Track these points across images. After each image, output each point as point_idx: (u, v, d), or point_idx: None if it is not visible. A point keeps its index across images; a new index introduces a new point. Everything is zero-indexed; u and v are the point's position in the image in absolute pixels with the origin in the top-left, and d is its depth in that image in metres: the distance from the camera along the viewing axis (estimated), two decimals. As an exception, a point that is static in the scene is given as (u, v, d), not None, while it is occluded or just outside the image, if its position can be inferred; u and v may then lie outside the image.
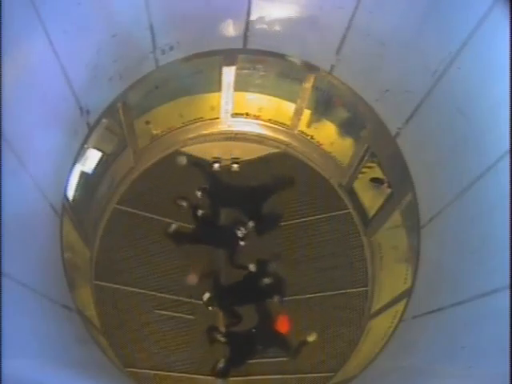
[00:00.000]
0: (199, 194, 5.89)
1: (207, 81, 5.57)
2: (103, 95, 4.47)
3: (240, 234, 5.64)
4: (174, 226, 5.74)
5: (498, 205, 3.00)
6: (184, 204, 5.84)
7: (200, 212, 5.79)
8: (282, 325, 5.24)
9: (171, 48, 4.59)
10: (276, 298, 5.53)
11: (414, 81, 3.94)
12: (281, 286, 5.62)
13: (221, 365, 5.37)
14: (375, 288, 5.66)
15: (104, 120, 4.63)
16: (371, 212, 5.74)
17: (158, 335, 5.56)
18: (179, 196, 5.86)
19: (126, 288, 5.57)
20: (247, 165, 6.25)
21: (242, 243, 5.72)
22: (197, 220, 5.79)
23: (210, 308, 5.55)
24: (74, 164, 4.33)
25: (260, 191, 5.88)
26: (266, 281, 5.58)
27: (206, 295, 5.51)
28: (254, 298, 5.59)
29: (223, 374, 5.37)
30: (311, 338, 5.48)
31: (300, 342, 5.49)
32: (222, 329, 5.49)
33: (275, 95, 5.83)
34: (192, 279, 5.53)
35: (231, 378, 5.55)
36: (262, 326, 5.33)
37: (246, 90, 5.82)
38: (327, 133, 5.93)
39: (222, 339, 5.36)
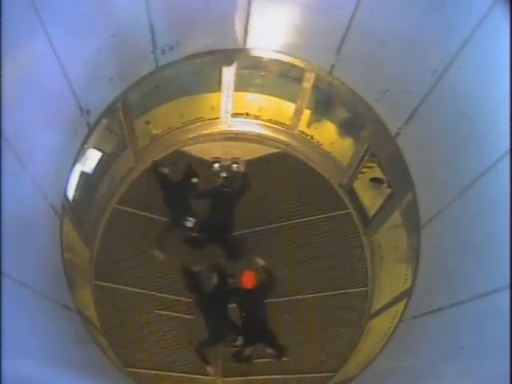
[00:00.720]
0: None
1: (207, 81, 5.57)
2: (103, 95, 4.47)
3: None
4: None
5: (498, 204, 2.99)
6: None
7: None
8: (248, 280, 5.09)
9: (171, 48, 4.59)
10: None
11: (413, 81, 3.94)
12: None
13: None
14: (375, 288, 5.66)
15: (104, 120, 4.63)
16: (371, 212, 5.74)
17: (158, 335, 5.56)
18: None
19: (125, 288, 5.57)
20: (247, 165, 6.25)
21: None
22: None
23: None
24: (74, 164, 4.33)
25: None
26: None
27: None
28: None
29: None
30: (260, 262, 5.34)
31: None
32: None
33: (275, 95, 5.84)
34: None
35: (231, 378, 5.55)
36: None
37: (246, 90, 5.83)
38: (327, 133, 5.93)
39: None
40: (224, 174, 5.52)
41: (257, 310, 5.22)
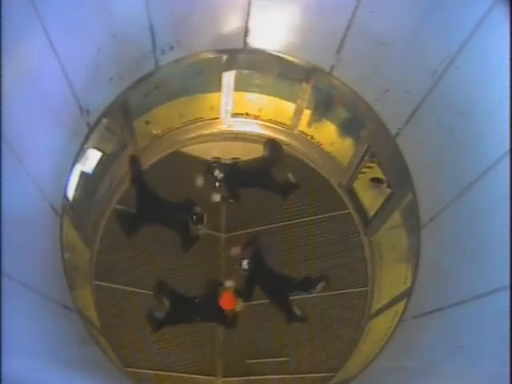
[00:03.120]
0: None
1: (207, 81, 5.57)
2: (103, 95, 4.47)
3: None
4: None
5: (498, 205, 2.99)
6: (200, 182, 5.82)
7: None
8: (227, 301, 5.18)
9: (171, 48, 4.59)
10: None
11: (413, 81, 3.94)
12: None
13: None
14: (375, 288, 5.66)
15: (104, 120, 4.63)
16: (371, 212, 5.74)
17: (158, 335, 5.56)
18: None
19: (125, 288, 5.57)
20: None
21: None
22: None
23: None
24: (74, 164, 4.33)
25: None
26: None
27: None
28: None
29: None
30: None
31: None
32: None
33: (275, 95, 5.83)
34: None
35: (231, 378, 5.55)
36: (206, 300, 5.30)
37: (246, 90, 5.82)
38: (327, 133, 5.92)
39: (166, 298, 5.28)
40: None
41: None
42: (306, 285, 5.53)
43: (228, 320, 5.40)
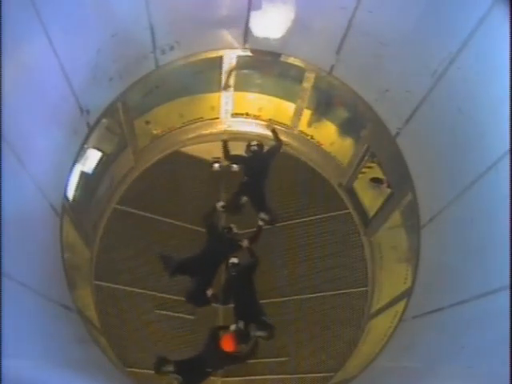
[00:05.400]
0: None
1: (207, 81, 5.57)
2: (103, 95, 4.47)
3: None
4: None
5: (498, 204, 2.99)
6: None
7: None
8: (227, 344, 4.88)
9: (171, 48, 4.59)
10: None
11: (413, 81, 3.94)
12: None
13: None
14: (375, 288, 5.66)
15: (104, 120, 4.63)
16: (371, 212, 5.74)
17: (158, 335, 5.57)
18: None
19: (125, 288, 5.57)
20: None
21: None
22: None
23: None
24: (74, 164, 4.33)
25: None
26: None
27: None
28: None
29: None
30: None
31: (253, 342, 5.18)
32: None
33: (275, 95, 5.84)
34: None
35: (231, 378, 5.55)
36: (210, 349, 5.02)
37: (246, 90, 5.83)
38: (327, 133, 5.93)
39: (170, 369, 4.92)
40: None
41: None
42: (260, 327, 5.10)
43: (240, 357, 5.17)
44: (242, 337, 4.98)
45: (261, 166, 5.54)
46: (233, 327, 5.04)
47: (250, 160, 5.57)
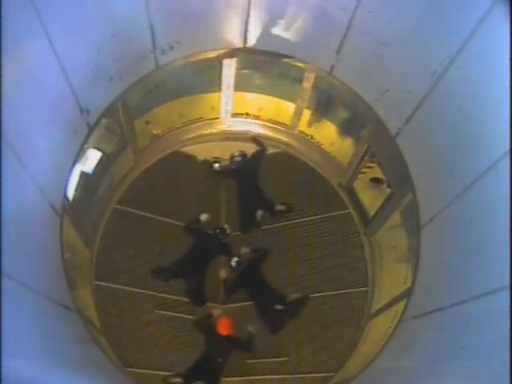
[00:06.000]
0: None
1: (207, 81, 5.57)
2: (103, 95, 4.47)
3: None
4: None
5: (498, 204, 2.99)
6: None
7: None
8: (223, 326, 5.12)
9: (171, 48, 4.59)
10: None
11: (413, 81, 3.94)
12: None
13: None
14: (375, 288, 5.66)
15: (104, 120, 4.63)
16: (371, 212, 5.74)
17: (158, 335, 5.56)
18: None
19: (125, 288, 5.57)
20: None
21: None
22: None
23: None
24: (74, 164, 4.33)
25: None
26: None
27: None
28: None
29: None
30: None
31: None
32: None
33: (275, 95, 5.84)
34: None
35: (231, 378, 5.55)
36: (211, 340, 5.26)
37: (246, 90, 5.83)
38: (327, 133, 5.93)
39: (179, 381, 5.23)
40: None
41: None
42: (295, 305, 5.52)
43: (243, 343, 5.32)
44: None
45: (249, 173, 5.77)
46: (219, 310, 5.38)
47: (238, 171, 5.79)
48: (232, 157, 5.86)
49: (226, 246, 5.56)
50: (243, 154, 5.84)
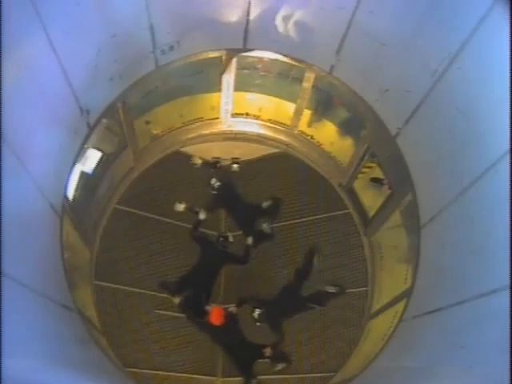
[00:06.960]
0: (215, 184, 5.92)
1: (207, 81, 5.57)
2: (103, 95, 4.47)
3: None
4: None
5: (498, 204, 2.99)
6: (182, 208, 5.81)
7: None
8: (216, 317, 5.15)
9: (171, 48, 4.59)
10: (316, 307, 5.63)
11: (413, 81, 3.94)
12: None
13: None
14: (375, 288, 5.66)
15: (104, 120, 4.63)
16: (371, 212, 5.74)
17: (158, 335, 5.57)
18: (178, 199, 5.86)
19: (125, 288, 5.58)
20: (247, 165, 6.26)
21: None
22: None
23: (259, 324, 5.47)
24: (74, 164, 4.33)
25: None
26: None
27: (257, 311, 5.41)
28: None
29: None
30: None
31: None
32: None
33: (275, 95, 5.84)
34: None
35: (231, 378, 5.55)
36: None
37: (246, 90, 5.83)
38: (327, 133, 5.93)
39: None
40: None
41: None
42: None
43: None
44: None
45: (231, 193, 5.97)
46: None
47: (221, 195, 5.91)
48: (211, 185, 5.92)
49: (230, 255, 5.57)
50: (220, 179, 5.94)
